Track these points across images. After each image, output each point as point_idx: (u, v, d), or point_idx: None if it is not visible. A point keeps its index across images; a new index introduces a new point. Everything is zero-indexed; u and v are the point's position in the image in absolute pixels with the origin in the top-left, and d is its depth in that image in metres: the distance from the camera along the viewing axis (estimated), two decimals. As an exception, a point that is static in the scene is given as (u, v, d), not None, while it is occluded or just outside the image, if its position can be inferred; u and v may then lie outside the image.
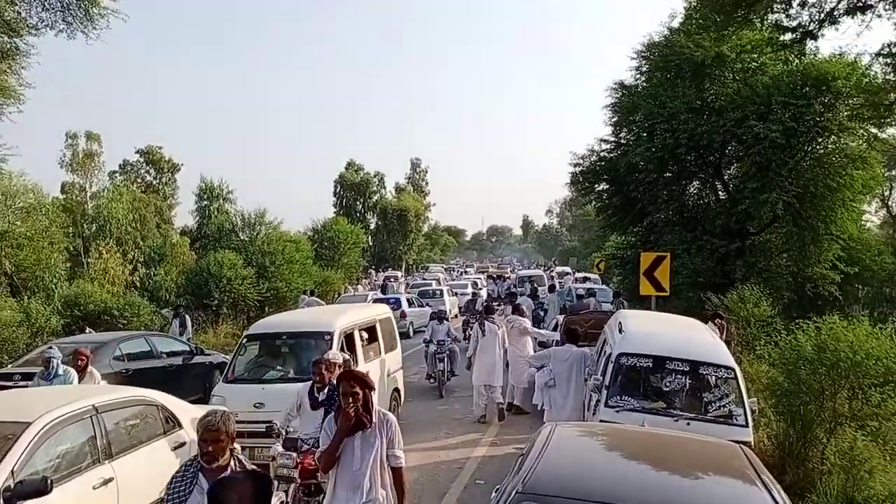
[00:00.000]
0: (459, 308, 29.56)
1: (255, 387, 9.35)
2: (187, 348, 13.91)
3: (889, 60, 11.36)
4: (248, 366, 10.17)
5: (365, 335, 10.94)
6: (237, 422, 8.76)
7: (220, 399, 9.18)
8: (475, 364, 12.37)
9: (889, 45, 11.22)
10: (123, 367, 11.78)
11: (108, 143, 44.44)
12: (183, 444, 6.66)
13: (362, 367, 10.27)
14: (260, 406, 8.83)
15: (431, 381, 14.42)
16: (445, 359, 14.28)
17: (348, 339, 10.17)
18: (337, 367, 7.10)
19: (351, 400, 4.65)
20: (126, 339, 12.82)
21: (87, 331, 15.16)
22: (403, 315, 24.13)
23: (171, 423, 6.82)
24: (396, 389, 11.88)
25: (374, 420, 4.73)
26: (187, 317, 17.76)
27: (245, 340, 10.44)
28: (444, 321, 15.18)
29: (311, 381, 7.13)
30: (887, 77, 12.00)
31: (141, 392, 6.93)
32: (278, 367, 9.95)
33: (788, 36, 12.48)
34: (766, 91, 16.10)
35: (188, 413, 7.12)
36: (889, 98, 12.48)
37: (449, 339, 14.63)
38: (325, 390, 6.92)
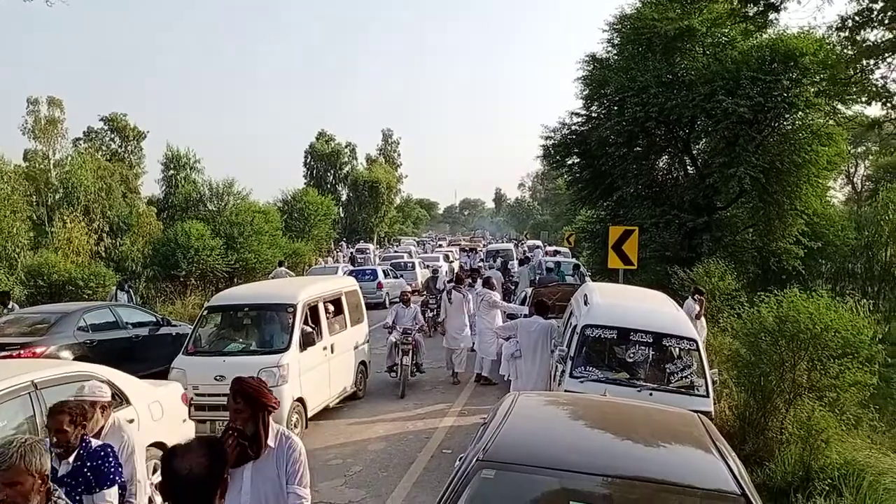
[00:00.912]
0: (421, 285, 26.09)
1: (215, 359, 9.19)
2: (154, 319, 13.70)
3: (846, 35, 11.40)
4: (209, 338, 10.04)
5: (331, 307, 10.87)
6: (196, 395, 8.71)
7: (179, 371, 9.09)
8: (446, 329, 13.60)
9: (844, 19, 11.24)
10: (88, 339, 11.61)
11: (71, 110, 43.37)
12: (131, 420, 6.28)
13: (327, 339, 10.23)
14: (221, 379, 8.67)
15: (392, 374, 12.28)
16: (410, 351, 12.20)
17: (313, 312, 10.09)
18: (101, 411, 4.69)
19: (235, 419, 3.61)
20: (90, 309, 12.56)
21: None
22: (380, 286, 24.52)
23: (119, 399, 6.41)
24: (363, 363, 11.86)
25: (270, 445, 3.67)
26: (131, 291, 17.24)
27: (206, 312, 10.28)
28: (411, 304, 13.19)
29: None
30: (845, 51, 12.04)
31: (85, 367, 6.52)
32: (240, 340, 9.83)
33: (752, 8, 12.43)
34: (735, 66, 16.18)
35: (139, 389, 6.89)
36: (847, 73, 12.55)
37: (416, 326, 12.64)
38: (73, 457, 4.13)
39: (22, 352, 10.30)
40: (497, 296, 13.85)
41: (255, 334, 9.91)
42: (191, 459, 2.53)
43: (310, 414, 9.67)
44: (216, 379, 8.71)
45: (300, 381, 9.27)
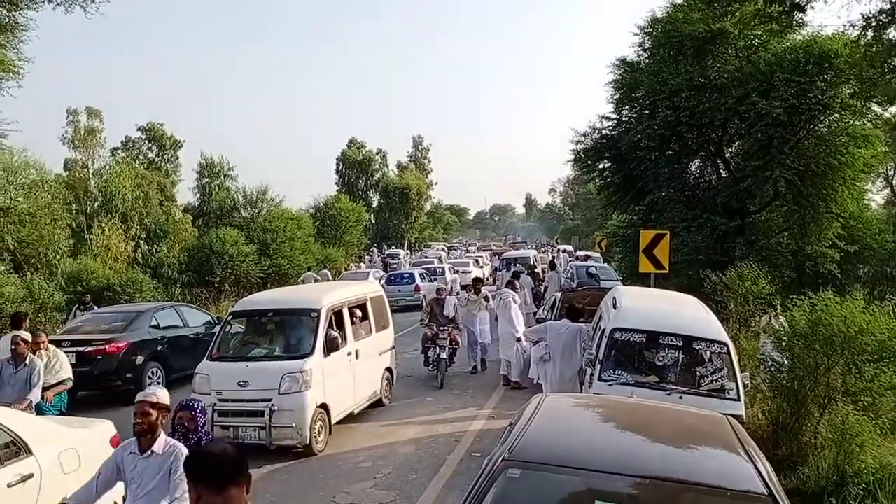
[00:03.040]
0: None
1: (239, 364, 9.18)
2: (209, 319, 14.71)
3: (872, 34, 10.97)
4: (233, 343, 10.00)
5: (357, 313, 10.79)
6: (220, 400, 8.64)
7: (203, 377, 9.06)
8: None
9: (868, 18, 10.83)
10: (159, 335, 12.99)
11: (109, 120, 44.18)
12: (29, 475, 5.22)
13: (351, 345, 10.15)
14: (244, 384, 8.74)
15: None
16: None
17: (337, 317, 10.00)
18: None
19: None
20: (159, 309, 13.96)
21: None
22: (418, 289, 24.89)
23: (16, 448, 5.30)
24: (388, 369, 11.76)
25: None
26: (95, 307, 17.41)
27: (231, 317, 10.20)
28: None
29: None
30: (870, 50, 11.58)
31: None
32: (264, 345, 9.76)
33: (777, 8, 12.07)
34: (769, 68, 15.94)
35: (46, 433, 5.74)
36: (873, 72, 12.11)
37: None
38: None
39: (107, 347, 11.80)
40: (517, 297, 13.77)
41: (280, 339, 9.81)
42: (222, 444, 2.70)
43: (334, 420, 9.53)
44: (239, 384, 8.74)
45: (324, 387, 9.15)
